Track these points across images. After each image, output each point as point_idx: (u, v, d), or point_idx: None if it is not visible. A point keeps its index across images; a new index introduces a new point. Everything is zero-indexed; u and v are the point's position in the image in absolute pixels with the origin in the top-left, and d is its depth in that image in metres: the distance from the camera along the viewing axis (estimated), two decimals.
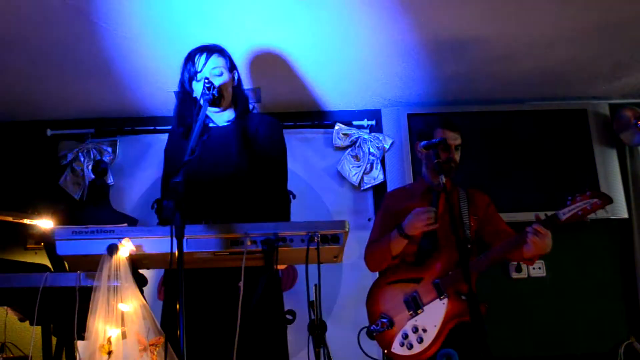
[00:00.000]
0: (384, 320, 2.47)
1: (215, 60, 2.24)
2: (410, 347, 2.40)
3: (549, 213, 2.37)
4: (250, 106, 2.40)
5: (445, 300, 2.41)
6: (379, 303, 2.54)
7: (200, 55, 2.24)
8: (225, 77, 2.25)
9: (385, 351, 2.46)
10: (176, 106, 2.33)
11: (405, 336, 2.43)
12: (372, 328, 2.49)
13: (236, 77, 2.33)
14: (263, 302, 1.99)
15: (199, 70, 2.22)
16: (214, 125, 2.33)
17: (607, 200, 2.30)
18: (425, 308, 2.44)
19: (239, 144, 2.25)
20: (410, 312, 2.45)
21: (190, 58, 2.26)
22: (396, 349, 2.42)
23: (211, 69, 2.22)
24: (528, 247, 2.35)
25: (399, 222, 2.58)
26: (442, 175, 2.31)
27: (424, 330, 2.40)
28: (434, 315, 2.41)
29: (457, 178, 2.77)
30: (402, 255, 2.60)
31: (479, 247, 2.61)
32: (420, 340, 2.39)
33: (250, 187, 2.23)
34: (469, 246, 2.56)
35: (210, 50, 2.26)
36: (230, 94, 2.30)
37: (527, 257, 2.44)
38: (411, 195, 2.70)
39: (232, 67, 2.31)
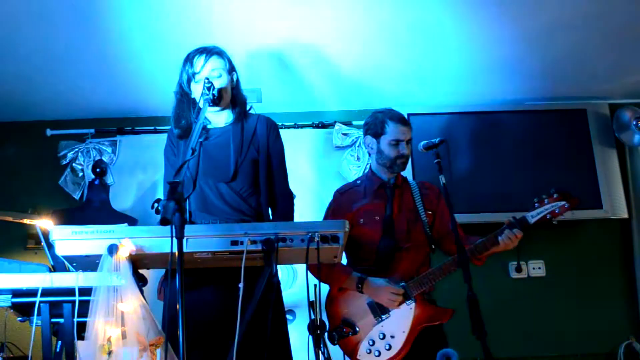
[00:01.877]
0: (347, 325, 2.35)
1: (214, 62, 2.24)
2: (378, 354, 2.30)
3: (518, 216, 2.36)
4: (248, 106, 2.40)
5: (413, 305, 2.34)
6: (340, 307, 2.41)
7: (200, 56, 2.23)
8: (224, 78, 2.25)
9: (350, 358, 2.35)
10: (174, 107, 2.33)
11: (372, 343, 2.32)
12: (334, 333, 2.36)
13: (235, 79, 2.33)
14: (263, 302, 1.98)
15: (198, 71, 2.22)
16: (212, 127, 2.34)
17: (574, 201, 2.28)
18: (391, 313, 2.34)
19: (237, 144, 2.26)
20: (376, 318, 2.35)
21: (189, 59, 2.25)
22: (362, 356, 2.31)
23: (210, 71, 2.22)
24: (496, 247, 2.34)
25: (354, 225, 2.46)
26: (441, 175, 2.28)
27: (392, 337, 2.30)
28: (401, 320, 2.32)
29: (457, 177, 2.75)
30: (360, 259, 2.52)
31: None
32: (389, 347, 2.30)
33: (250, 187, 2.24)
34: (433, 247, 2.50)
35: (210, 51, 2.25)
36: (229, 95, 2.30)
37: (480, 256, 2.41)
38: (363, 194, 2.59)
39: (231, 68, 2.31)
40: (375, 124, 2.61)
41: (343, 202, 2.61)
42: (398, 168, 2.55)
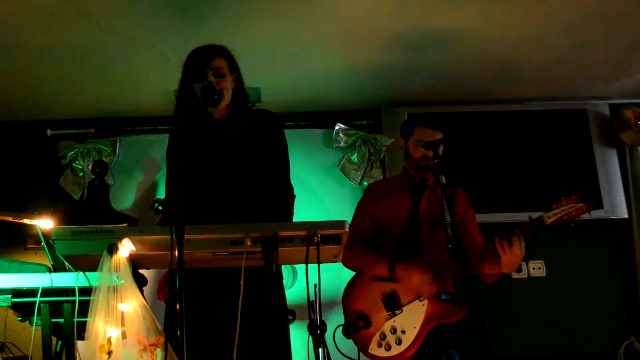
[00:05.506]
0: (361, 319, 2.40)
1: (216, 61, 2.24)
2: (389, 348, 2.34)
3: (534, 215, 2.35)
4: (250, 104, 2.40)
5: (425, 302, 2.36)
6: (356, 301, 2.47)
7: (203, 55, 2.24)
8: (226, 78, 2.25)
9: (362, 351, 2.39)
10: (176, 105, 2.34)
11: (384, 337, 2.36)
12: (348, 326, 2.41)
13: (237, 78, 2.33)
14: (265, 301, 1.99)
15: (199, 69, 2.22)
16: (214, 125, 2.34)
17: (593, 204, 2.27)
18: (404, 309, 2.37)
19: (238, 142, 2.26)
20: (389, 312, 2.38)
21: (192, 57, 2.26)
22: (374, 349, 2.36)
23: (212, 70, 2.23)
24: (496, 260, 2.32)
25: (380, 218, 2.55)
26: (442, 175, 2.28)
27: (403, 332, 2.34)
28: (413, 316, 2.35)
29: (457, 178, 2.74)
30: (381, 252, 2.54)
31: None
32: (399, 342, 2.33)
33: (252, 184, 2.24)
34: (450, 246, 2.50)
35: (213, 50, 2.26)
36: (230, 95, 2.30)
37: (488, 272, 2.42)
38: (392, 191, 2.62)
39: (233, 68, 2.31)
40: (406, 126, 2.64)
41: (372, 196, 2.67)
42: (422, 170, 2.53)
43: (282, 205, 2.29)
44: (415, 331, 2.34)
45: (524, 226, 2.32)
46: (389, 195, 2.62)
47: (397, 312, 2.38)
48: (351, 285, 2.55)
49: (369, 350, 2.37)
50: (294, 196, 2.38)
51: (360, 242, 2.57)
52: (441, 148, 2.50)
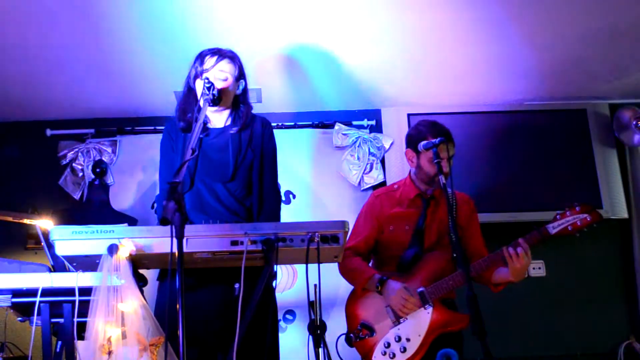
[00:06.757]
0: (365, 327, 2.39)
1: (224, 65, 2.26)
2: (393, 356, 2.33)
3: (537, 220, 2.36)
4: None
5: (430, 310, 2.36)
6: (359, 309, 2.46)
7: (212, 56, 2.26)
8: (229, 82, 2.26)
9: (365, 359, 2.38)
10: (179, 101, 2.36)
11: (388, 345, 2.35)
12: (351, 335, 2.40)
13: (241, 87, 2.34)
14: (260, 303, 1.99)
15: (206, 70, 2.24)
16: (211, 127, 2.34)
17: (597, 216, 2.30)
18: (409, 317, 2.37)
19: (235, 147, 2.27)
20: (393, 321, 2.37)
21: (201, 56, 2.28)
22: (377, 357, 2.35)
23: (217, 72, 2.24)
24: (503, 270, 2.35)
25: (383, 230, 2.55)
26: (441, 175, 2.28)
27: (408, 340, 2.34)
28: (418, 324, 2.35)
29: (456, 177, 2.73)
30: (384, 264, 2.56)
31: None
32: (404, 350, 2.33)
33: (244, 189, 2.25)
34: (454, 255, 2.46)
35: (223, 54, 2.28)
36: (230, 98, 2.31)
37: (496, 282, 2.44)
38: (399, 201, 2.60)
39: (239, 76, 2.32)
40: (417, 138, 2.52)
41: (376, 205, 2.63)
42: (437, 185, 2.49)
43: (270, 208, 2.30)
44: (420, 339, 2.33)
45: (528, 236, 2.34)
46: (394, 205, 2.59)
47: (402, 319, 2.38)
48: (354, 293, 2.54)
49: (373, 358, 2.36)
50: (281, 200, 2.40)
51: (353, 256, 2.55)
52: (451, 161, 2.48)
